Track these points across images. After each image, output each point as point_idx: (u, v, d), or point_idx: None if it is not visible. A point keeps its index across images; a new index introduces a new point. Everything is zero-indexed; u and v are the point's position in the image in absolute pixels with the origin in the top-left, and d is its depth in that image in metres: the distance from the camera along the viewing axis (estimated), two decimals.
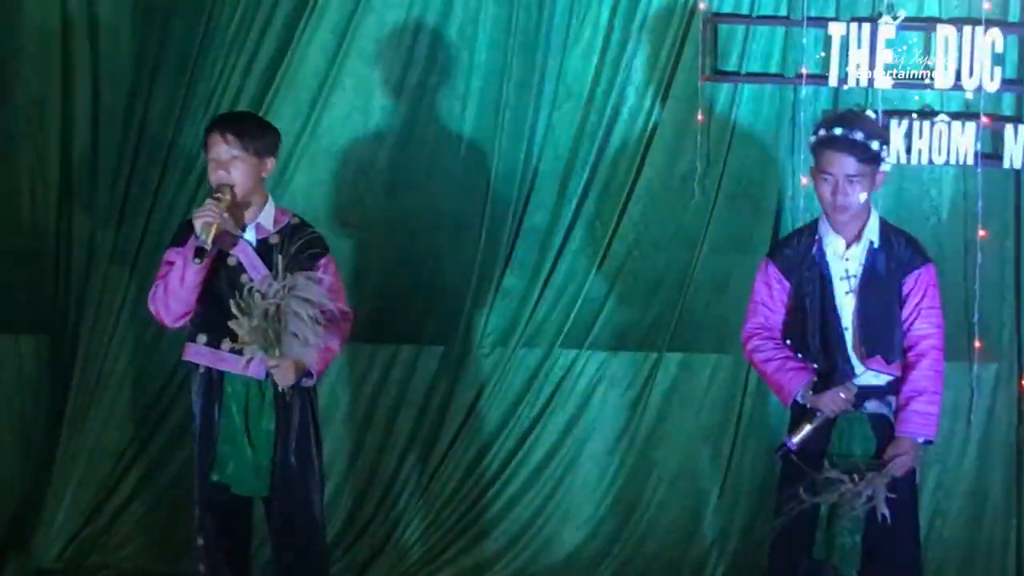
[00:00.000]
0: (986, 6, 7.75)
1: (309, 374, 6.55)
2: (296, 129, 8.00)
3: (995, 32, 7.71)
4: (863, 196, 6.39)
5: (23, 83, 7.99)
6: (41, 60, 7.99)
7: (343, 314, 6.62)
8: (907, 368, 6.47)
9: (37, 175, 8.04)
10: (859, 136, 6.41)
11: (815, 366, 6.50)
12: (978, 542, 7.82)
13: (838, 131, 6.43)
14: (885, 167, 6.55)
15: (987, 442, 7.82)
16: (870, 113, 7.70)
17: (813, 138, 6.54)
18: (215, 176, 6.50)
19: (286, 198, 7.83)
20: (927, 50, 7.79)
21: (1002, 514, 7.80)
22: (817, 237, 6.53)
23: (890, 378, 6.49)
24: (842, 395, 6.40)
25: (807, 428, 6.45)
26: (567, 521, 8.02)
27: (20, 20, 8.01)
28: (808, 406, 6.45)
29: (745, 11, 7.92)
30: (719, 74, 7.91)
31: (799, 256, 6.55)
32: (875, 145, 6.45)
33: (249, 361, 6.45)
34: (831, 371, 6.49)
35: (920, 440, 6.47)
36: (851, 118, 6.64)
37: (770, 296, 6.58)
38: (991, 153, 7.77)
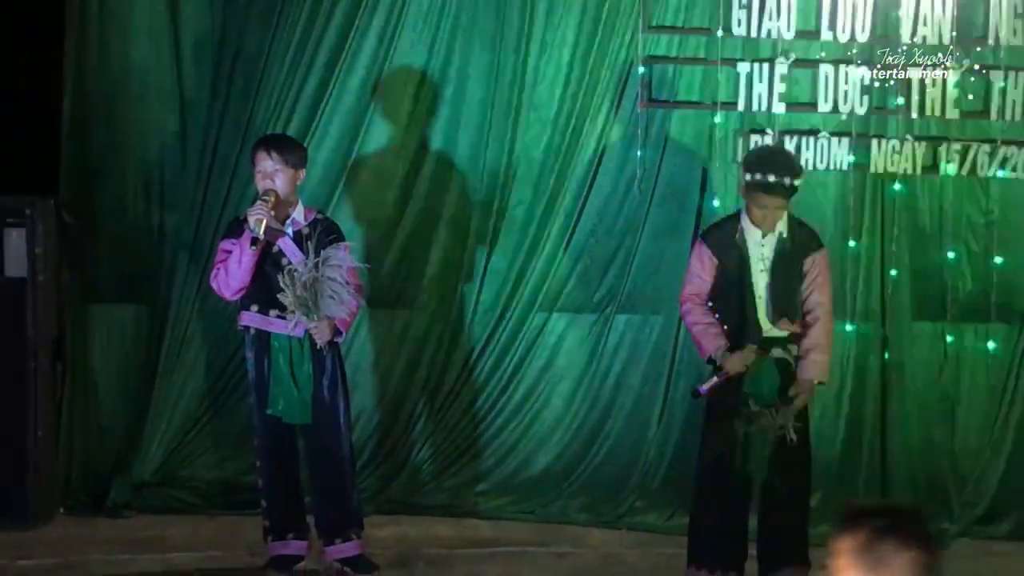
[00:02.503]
0: (857, 45, 7.75)
1: (339, 332, 6.70)
2: (344, 147, 7.96)
3: (864, 69, 7.77)
4: (783, 213, 6.53)
5: (132, 113, 7.99)
6: (143, 95, 8.00)
7: (359, 287, 6.77)
8: (806, 327, 6.60)
9: (139, 184, 8.01)
10: (787, 181, 6.48)
11: (726, 327, 6.58)
12: (853, 456, 7.85)
13: (772, 178, 6.46)
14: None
15: (860, 381, 7.85)
16: (771, 134, 7.78)
17: (749, 175, 6.53)
18: (262, 184, 6.65)
19: (342, 198, 7.96)
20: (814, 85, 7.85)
21: (869, 435, 7.84)
22: (740, 226, 6.58)
23: (792, 332, 6.60)
24: (739, 360, 6.48)
25: (714, 380, 6.57)
26: (542, 445, 8.04)
27: (128, 64, 8.00)
28: (718, 363, 6.53)
29: (674, 54, 7.89)
30: (653, 102, 7.90)
31: (725, 239, 6.62)
32: (797, 183, 6.55)
33: (295, 324, 6.57)
34: (745, 328, 6.56)
35: (816, 382, 6.63)
36: (781, 162, 6.63)
37: (702, 268, 6.63)
38: (861, 162, 7.82)
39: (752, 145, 7.73)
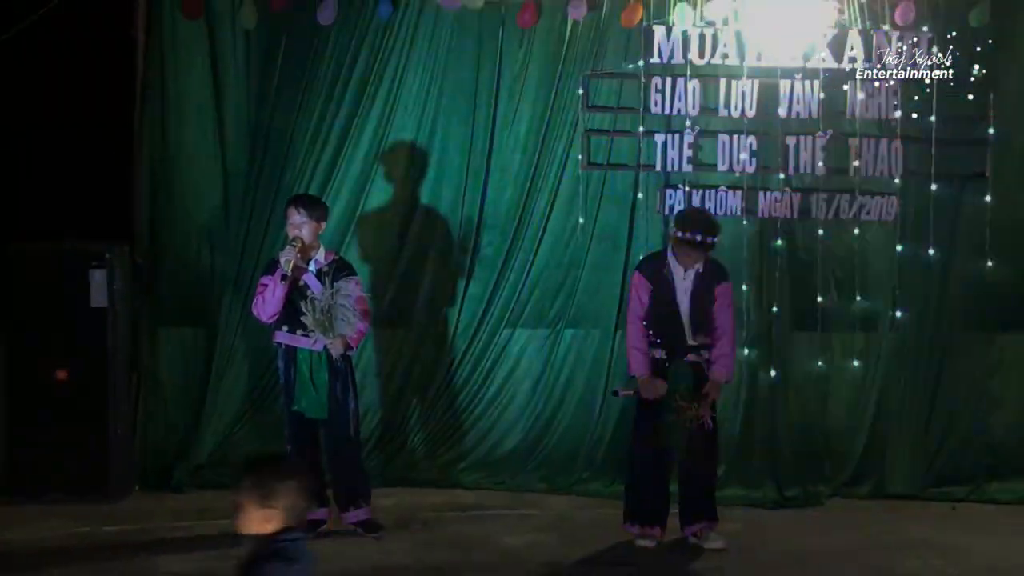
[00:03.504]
0: (746, 120, 7.78)
1: (350, 347, 6.71)
2: (353, 203, 7.92)
3: (752, 138, 7.79)
4: (703, 259, 6.57)
5: (188, 179, 7.95)
6: (196, 166, 7.95)
7: (365, 312, 6.76)
8: (715, 339, 6.63)
9: (193, 233, 7.96)
10: (709, 240, 6.51)
11: (660, 340, 6.59)
12: (750, 436, 7.83)
13: (698, 238, 6.47)
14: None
15: (753, 378, 7.84)
16: (682, 188, 7.74)
17: (680, 233, 6.51)
18: (292, 232, 6.67)
19: (352, 242, 7.89)
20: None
21: (761, 420, 7.84)
22: (668, 263, 6.62)
23: (705, 343, 6.63)
24: (652, 389, 6.53)
25: (630, 392, 6.73)
26: (509, 431, 8.01)
27: (184, 142, 7.94)
28: (638, 384, 6.62)
29: (607, 127, 7.89)
30: (592, 165, 7.89)
31: (657, 272, 6.65)
32: (717, 239, 6.58)
33: (315, 341, 6.60)
34: (674, 341, 6.62)
35: (723, 381, 6.69)
36: (706, 225, 6.58)
37: (642, 291, 6.63)
38: (751, 209, 7.82)
39: (668, 197, 7.75)
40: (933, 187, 7.77)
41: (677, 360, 6.62)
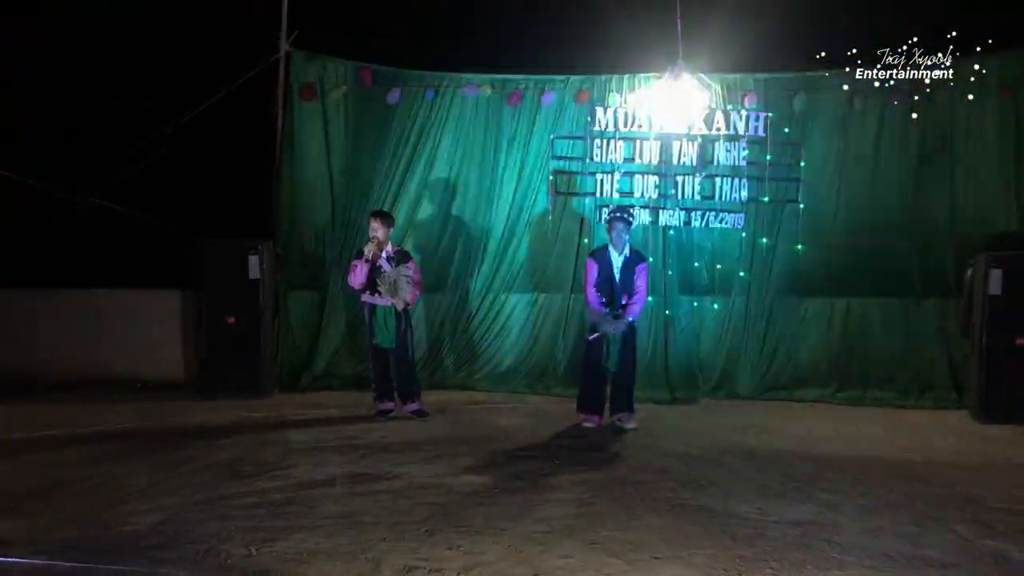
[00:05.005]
0: (652, 165, 7.85)
1: (408, 304, 6.77)
2: (408, 216, 7.95)
3: (656, 177, 7.88)
4: (626, 237, 6.56)
5: (308, 200, 7.92)
6: (313, 192, 7.89)
7: (419, 282, 6.87)
8: (634, 295, 6.58)
9: (312, 234, 7.94)
10: (629, 215, 6.59)
11: (604, 299, 6.49)
12: (653, 358, 7.84)
13: (625, 215, 6.52)
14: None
15: (655, 322, 7.86)
16: (611, 207, 7.70)
17: (612, 215, 6.51)
18: (372, 234, 6.74)
19: (409, 239, 7.85)
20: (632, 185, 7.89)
21: (660, 347, 7.84)
22: (608, 251, 6.57)
23: (630, 299, 6.57)
24: (610, 327, 6.48)
25: (597, 334, 6.55)
26: (505, 356, 8.05)
27: (305, 178, 7.87)
28: (598, 325, 6.52)
29: (566, 169, 7.91)
30: (558, 193, 7.96)
31: (601, 257, 6.58)
32: (632, 219, 6.63)
33: (387, 300, 6.67)
34: (612, 297, 6.54)
35: (633, 318, 6.59)
36: (624, 209, 6.68)
37: (592, 270, 6.54)
38: (654, 220, 7.89)
39: (604, 214, 7.76)
40: (765, 207, 7.84)
41: (614, 309, 6.57)
